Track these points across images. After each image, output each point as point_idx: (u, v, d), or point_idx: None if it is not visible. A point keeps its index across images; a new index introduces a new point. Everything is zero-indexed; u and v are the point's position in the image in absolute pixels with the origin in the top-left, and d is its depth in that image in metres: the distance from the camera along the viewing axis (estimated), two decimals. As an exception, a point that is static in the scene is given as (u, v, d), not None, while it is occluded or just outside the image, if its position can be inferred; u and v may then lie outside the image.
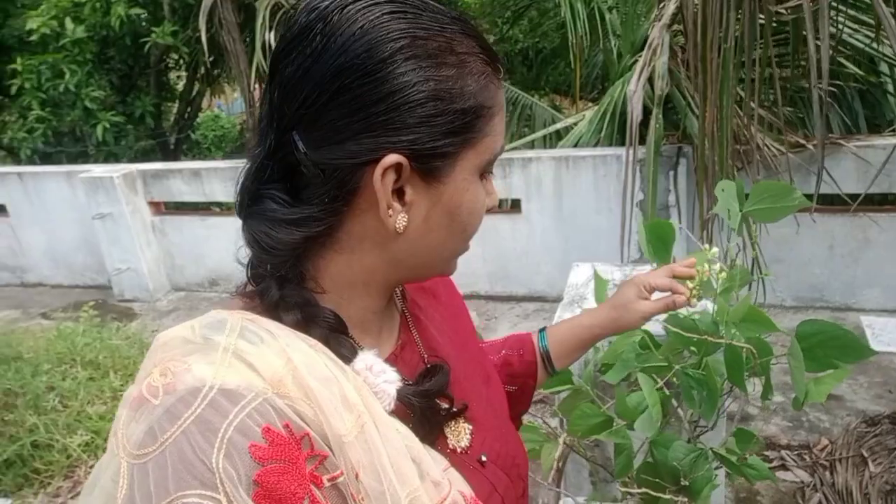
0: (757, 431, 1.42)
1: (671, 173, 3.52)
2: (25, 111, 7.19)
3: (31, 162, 7.19)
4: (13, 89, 7.18)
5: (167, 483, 0.45)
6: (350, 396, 0.52)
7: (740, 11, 2.42)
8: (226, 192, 4.59)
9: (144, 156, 8.09)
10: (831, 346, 1.10)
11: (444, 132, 0.55)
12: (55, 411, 3.01)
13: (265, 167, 0.57)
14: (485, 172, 0.61)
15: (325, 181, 0.54)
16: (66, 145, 7.53)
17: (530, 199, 4.03)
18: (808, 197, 1.25)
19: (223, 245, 4.70)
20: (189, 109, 8.63)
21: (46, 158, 7.33)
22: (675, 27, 3.14)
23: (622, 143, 3.38)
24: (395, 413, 0.57)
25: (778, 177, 3.28)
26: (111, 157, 7.11)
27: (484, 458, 0.69)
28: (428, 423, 0.63)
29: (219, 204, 4.75)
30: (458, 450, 0.67)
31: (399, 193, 0.56)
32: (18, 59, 7.09)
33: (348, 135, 0.53)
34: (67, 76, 6.76)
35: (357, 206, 0.56)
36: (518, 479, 0.74)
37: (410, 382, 0.63)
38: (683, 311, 1.11)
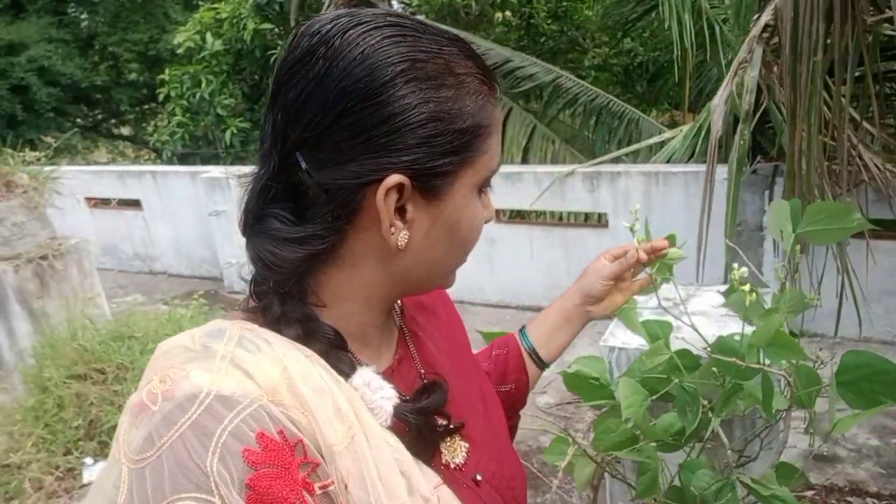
0: (834, 472, 1.34)
1: (766, 193, 3.33)
2: (170, 116, 8.00)
3: (170, 162, 7.97)
4: (161, 97, 8.01)
5: (164, 486, 0.46)
6: (343, 407, 0.53)
7: (832, 25, 2.27)
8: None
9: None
10: (877, 380, 1.03)
11: (443, 152, 0.56)
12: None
13: (269, 188, 0.58)
14: (482, 188, 0.63)
15: (328, 201, 0.56)
16: (201, 148, 8.27)
17: (617, 214, 3.95)
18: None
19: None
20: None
21: (184, 160, 8.10)
22: (775, 42, 2.98)
23: (721, 160, 3.25)
24: (391, 429, 0.58)
25: (890, 200, 3.02)
26: (237, 160, 7.72)
27: (479, 478, 0.69)
28: (424, 440, 0.63)
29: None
30: (453, 466, 0.67)
31: (401, 211, 0.57)
32: (167, 70, 7.91)
33: (351, 156, 0.55)
34: (203, 85, 7.44)
35: (359, 224, 0.58)
36: (512, 500, 0.74)
37: (407, 399, 0.63)
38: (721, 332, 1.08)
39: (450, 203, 0.59)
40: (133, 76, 11.32)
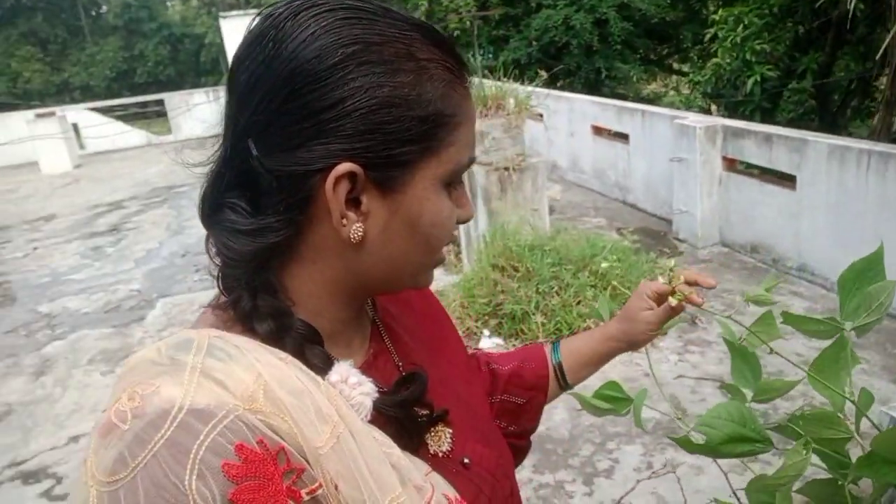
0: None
1: None
2: (711, 57, 8.03)
3: (702, 104, 8.05)
4: (706, 38, 8.07)
5: None
6: (324, 408, 0.51)
7: None
8: (789, 163, 4.38)
9: (804, 115, 7.92)
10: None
11: (400, 140, 0.54)
12: (553, 293, 3.92)
13: (222, 175, 0.57)
14: (452, 183, 0.60)
15: (279, 190, 0.54)
16: (726, 95, 8.10)
17: None
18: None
19: (772, 214, 4.57)
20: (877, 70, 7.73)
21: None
22: None
23: None
24: (373, 423, 0.57)
25: None
26: (762, 112, 7.32)
27: (467, 461, 0.68)
28: (407, 432, 0.62)
29: (779, 173, 4.57)
30: (440, 454, 0.66)
31: (356, 203, 0.55)
32: (720, 11, 7.89)
33: (299, 142, 0.53)
34: (741, 28, 7.18)
35: (313, 216, 0.56)
36: (504, 478, 0.73)
37: (385, 389, 0.61)
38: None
39: (409, 195, 0.57)
40: (704, 13, 11.48)
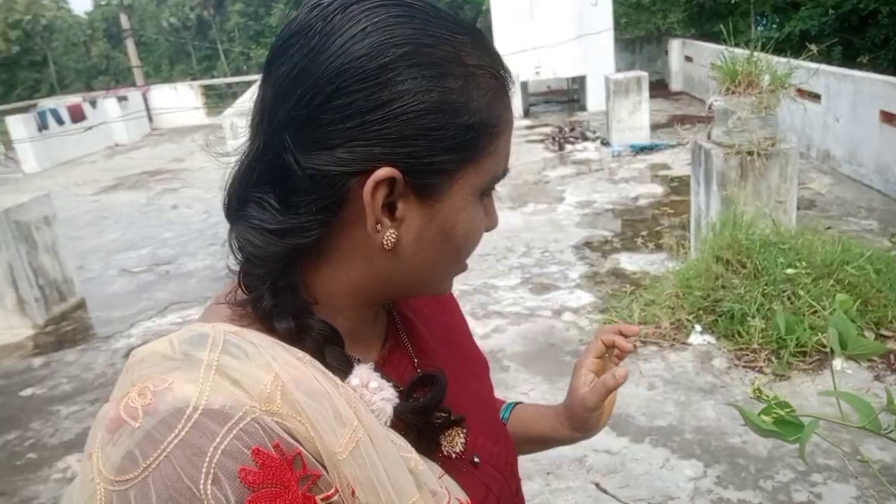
0: None
1: None
2: None
3: None
4: None
5: None
6: (343, 411, 0.50)
7: None
8: None
9: None
10: None
11: (443, 147, 0.53)
12: (781, 298, 3.50)
13: (252, 169, 0.55)
14: (486, 192, 0.59)
15: (313, 189, 0.53)
16: None
17: None
18: None
19: None
20: None
21: None
22: None
23: None
24: (392, 426, 0.56)
25: None
26: None
27: (477, 460, 0.67)
28: (424, 436, 0.61)
29: None
30: (453, 455, 0.65)
31: (391, 208, 0.54)
32: None
33: (340, 141, 0.51)
34: None
35: (346, 218, 0.54)
36: (511, 476, 0.72)
37: (402, 389, 0.60)
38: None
39: (446, 204, 0.55)
40: None
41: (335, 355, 0.56)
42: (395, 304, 0.71)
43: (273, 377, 0.48)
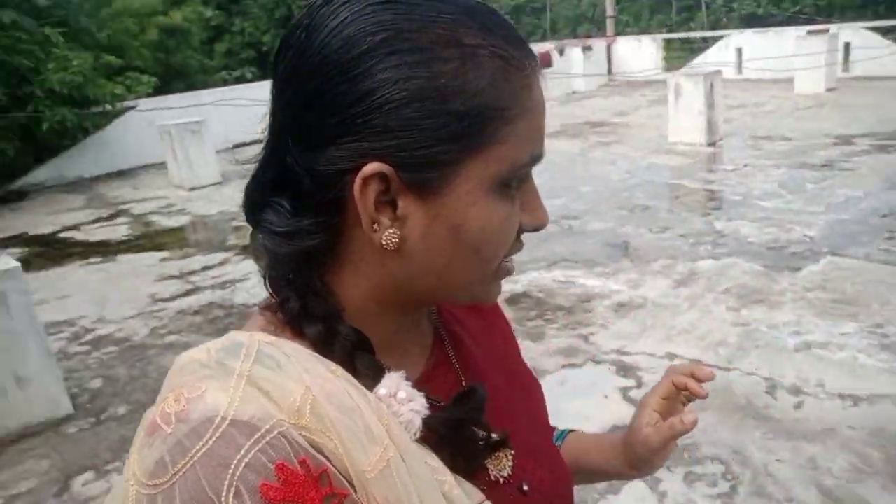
0: None
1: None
2: None
3: None
4: None
5: None
6: (374, 427, 0.48)
7: None
8: None
9: None
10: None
11: (436, 138, 0.49)
12: None
13: (266, 173, 0.55)
14: (511, 184, 0.53)
15: (315, 190, 0.52)
16: None
17: None
18: None
19: None
20: None
21: None
22: None
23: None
24: (425, 441, 0.53)
25: None
26: None
27: (525, 487, 0.63)
28: (464, 455, 0.57)
29: None
30: (501, 480, 0.61)
31: (393, 206, 0.51)
32: None
33: (330, 139, 0.50)
34: None
35: (350, 220, 0.53)
36: (561, 502, 0.68)
37: (439, 402, 0.56)
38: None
39: (451, 199, 0.51)
40: None
41: (365, 362, 0.54)
42: (441, 316, 0.69)
43: (304, 390, 0.48)
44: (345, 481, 0.46)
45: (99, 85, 10.57)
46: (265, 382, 0.47)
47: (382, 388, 0.53)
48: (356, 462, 0.47)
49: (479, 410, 0.58)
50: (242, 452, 0.44)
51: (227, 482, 0.43)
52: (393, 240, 0.52)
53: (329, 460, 0.46)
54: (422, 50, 0.49)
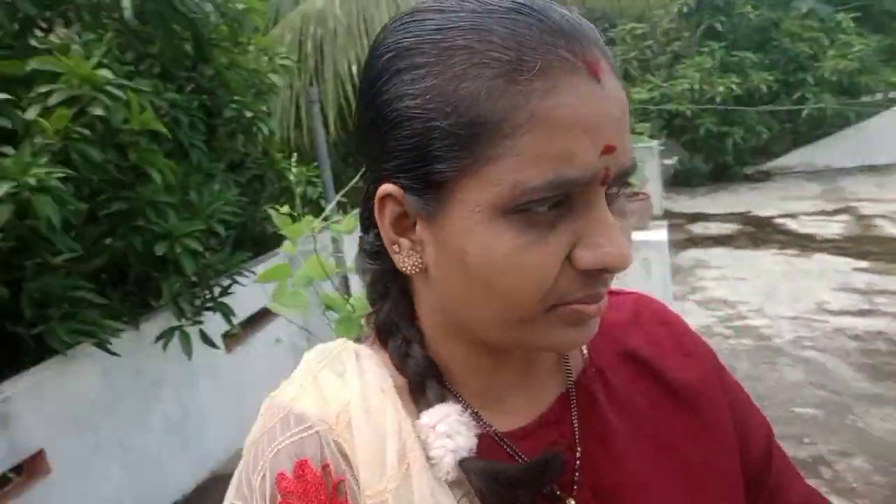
0: None
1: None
2: None
3: None
4: None
5: (232, 488, 0.51)
6: (388, 457, 0.49)
7: None
8: None
9: None
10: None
11: (429, 156, 0.46)
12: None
13: (364, 193, 0.55)
14: (516, 210, 0.44)
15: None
16: None
17: None
18: None
19: None
20: None
21: None
22: None
23: None
24: (460, 486, 0.49)
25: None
26: None
27: None
28: None
29: None
30: None
31: (415, 229, 0.50)
32: None
33: (367, 162, 0.52)
34: None
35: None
36: None
37: (521, 458, 0.53)
38: None
39: (448, 224, 0.47)
40: None
41: (434, 391, 0.53)
42: (587, 373, 0.60)
43: (348, 400, 0.51)
44: (357, 495, 0.48)
45: (874, 72, 9.86)
46: (325, 385, 0.53)
47: (425, 417, 0.51)
48: (361, 482, 0.48)
49: (542, 473, 0.51)
50: (278, 441, 0.49)
51: (260, 465, 0.49)
52: (413, 263, 0.51)
53: (351, 472, 0.49)
54: (416, 67, 0.46)
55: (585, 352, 0.61)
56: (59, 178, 2.14)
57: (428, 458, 0.50)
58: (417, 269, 0.51)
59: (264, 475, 0.48)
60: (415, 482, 0.48)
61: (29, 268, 2.27)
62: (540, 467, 0.51)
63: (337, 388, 0.52)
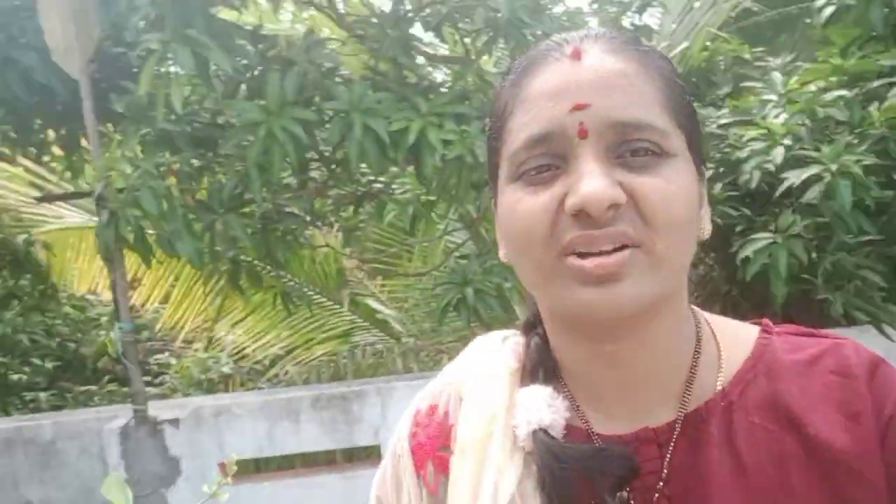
0: None
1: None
2: None
3: None
4: None
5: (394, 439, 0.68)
6: (473, 424, 0.60)
7: None
8: None
9: None
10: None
11: (492, 161, 0.59)
12: None
13: None
14: (523, 175, 0.52)
15: None
16: None
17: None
18: None
19: None
20: None
21: None
22: None
23: None
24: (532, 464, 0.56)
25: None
26: None
27: None
28: (556, 495, 0.53)
29: None
30: None
31: None
32: None
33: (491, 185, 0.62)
34: None
35: None
36: None
37: (598, 444, 0.56)
38: None
39: (498, 204, 0.57)
40: None
41: (543, 377, 0.59)
42: (704, 418, 0.55)
43: (473, 370, 0.64)
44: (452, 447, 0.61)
45: None
46: (473, 356, 0.66)
47: (520, 393, 0.58)
48: (458, 432, 0.61)
49: (605, 463, 0.52)
50: (429, 387, 0.67)
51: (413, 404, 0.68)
52: (503, 253, 0.59)
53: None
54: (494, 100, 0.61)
55: (720, 385, 0.56)
56: (862, 165, 2.31)
57: (513, 427, 0.57)
58: (506, 259, 0.58)
59: (408, 413, 0.67)
60: (494, 442, 0.57)
61: (834, 243, 2.56)
62: (599, 457, 0.52)
63: (475, 359, 0.65)
